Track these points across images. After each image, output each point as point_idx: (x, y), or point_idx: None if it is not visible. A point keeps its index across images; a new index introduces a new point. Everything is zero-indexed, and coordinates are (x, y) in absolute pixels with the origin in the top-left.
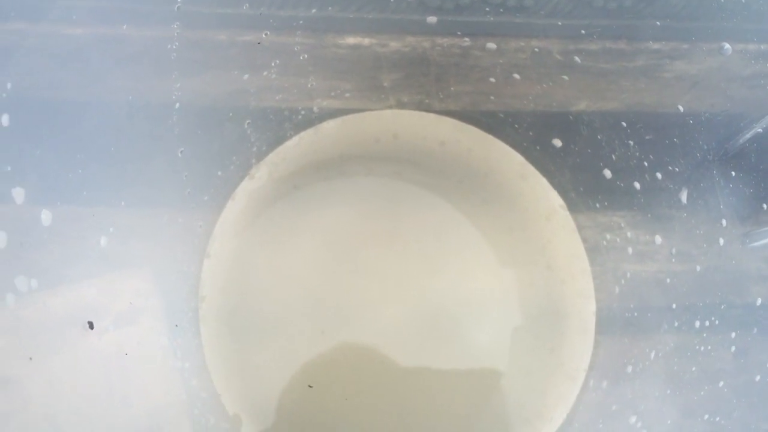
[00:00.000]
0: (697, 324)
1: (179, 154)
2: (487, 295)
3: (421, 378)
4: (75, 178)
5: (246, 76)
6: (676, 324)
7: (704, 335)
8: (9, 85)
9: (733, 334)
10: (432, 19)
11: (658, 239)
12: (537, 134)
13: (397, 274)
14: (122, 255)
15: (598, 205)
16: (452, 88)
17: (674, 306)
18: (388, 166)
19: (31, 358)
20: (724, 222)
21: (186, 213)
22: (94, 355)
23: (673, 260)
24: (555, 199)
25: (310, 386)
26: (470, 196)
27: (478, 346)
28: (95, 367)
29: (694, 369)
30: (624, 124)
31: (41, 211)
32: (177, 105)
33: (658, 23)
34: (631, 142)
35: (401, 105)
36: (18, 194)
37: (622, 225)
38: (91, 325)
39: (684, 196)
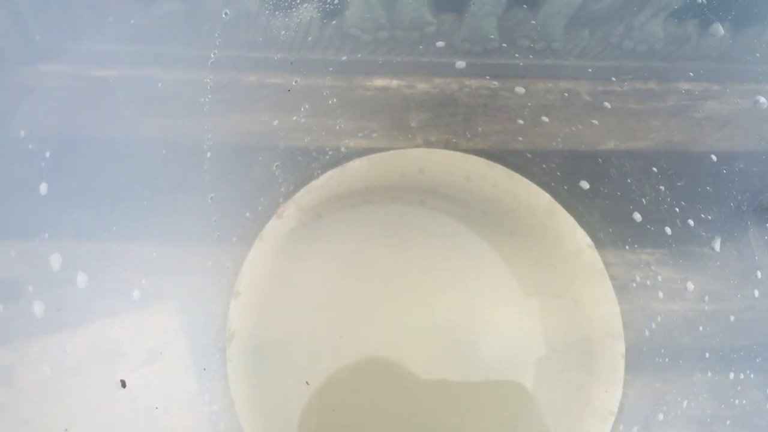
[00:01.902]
0: (732, 376)
1: (209, 200)
2: (511, 323)
3: (445, 405)
4: (109, 236)
5: (276, 122)
6: (709, 374)
7: (738, 388)
8: (48, 154)
9: None
10: (461, 64)
11: (690, 285)
12: (565, 175)
13: (423, 301)
14: (152, 301)
15: (627, 247)
16: (480, 128)
17: (707, 355)
18: (413, 195)
19: (66, 430)
20: (759, 274)
21: (214, 255)
22: (122, 401)
23: (706, 308)
24: (582, 238)
25: (307, 383)
26: (495, 227)
27: (502, 374)
28: (123, 413)
29: (728, 423)
30: (655, 169)
31: (77, 273)
32: (208, 154)
33: (689, 65)
34: (662, 188)
35: (428, 144)
36: (55, 260)
37: (653, 267)
38: (123, 384)
39: (717, 245)
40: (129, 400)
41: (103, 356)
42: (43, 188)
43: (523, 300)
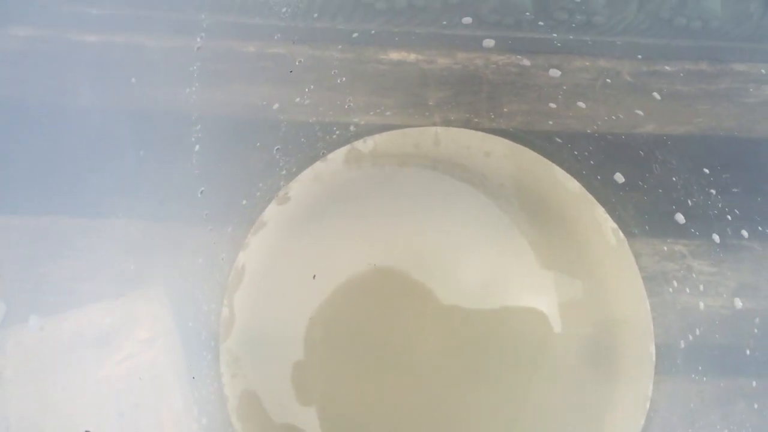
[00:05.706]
0: None
1: (199, 195)
2: (525, 296)
3: (458, 384)
4: (90, 217)
5: (276, 98)
6: (753, 384)
7: None
8: None
9: None
10: (489, 42)
11: (738, 303)
12: (599, 164)
13: (438, 284)
14: (141, 292)
15: (665, 248)
16: (504, 108)
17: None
18: (426, 160)
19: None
20: None
21: (208, 244)
22: (107, 395)
23: (756, 330)
24: (613, 231)
25: (314, 276)
26: (512, 200)
27: (517, 355)
28: (107, 406)
29: None
30: (707, 170)
31: (29, 316)
32: (197, 147)
33: (745, 45)
34: (714, 191)
35: (447, 123)
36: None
37: (687, 260)
38: None
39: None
40: (114, 393)
41: (87, 348)
42: None
43: (541, 272)
